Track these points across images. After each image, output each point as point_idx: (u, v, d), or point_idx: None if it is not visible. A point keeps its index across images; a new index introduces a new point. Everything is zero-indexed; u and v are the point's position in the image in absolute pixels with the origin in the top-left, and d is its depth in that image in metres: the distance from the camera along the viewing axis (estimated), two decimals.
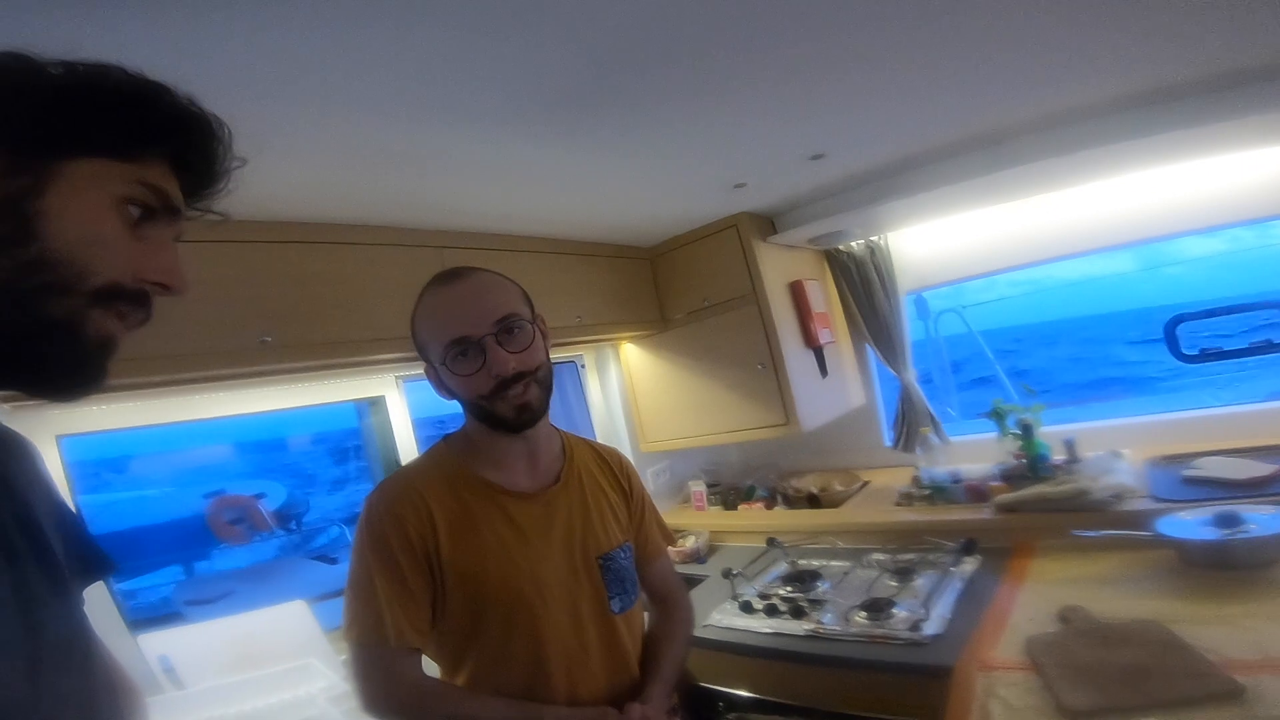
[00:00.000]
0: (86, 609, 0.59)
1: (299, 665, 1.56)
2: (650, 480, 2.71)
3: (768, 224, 2.33)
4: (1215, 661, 1.10)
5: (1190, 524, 1.49)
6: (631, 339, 2.58)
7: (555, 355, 2.49)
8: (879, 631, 1.53)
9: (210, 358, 1.36)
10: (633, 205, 1.98)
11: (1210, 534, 1.44)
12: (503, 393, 1.02)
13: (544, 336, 1.11)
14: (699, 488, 2.69)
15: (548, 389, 1.09)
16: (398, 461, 2.06)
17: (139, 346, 1.21)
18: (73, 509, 0.67)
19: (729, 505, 2.62)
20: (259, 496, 3.22)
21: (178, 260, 0.55)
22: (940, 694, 1.27)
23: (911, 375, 2.50)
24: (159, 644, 1.56)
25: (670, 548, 1.35)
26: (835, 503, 2.39)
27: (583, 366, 2.70)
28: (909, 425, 2.49)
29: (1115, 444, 2.07)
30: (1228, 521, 1.43)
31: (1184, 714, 1.00)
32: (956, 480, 2.11)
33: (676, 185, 1.85)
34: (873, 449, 2.67)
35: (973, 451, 2.36)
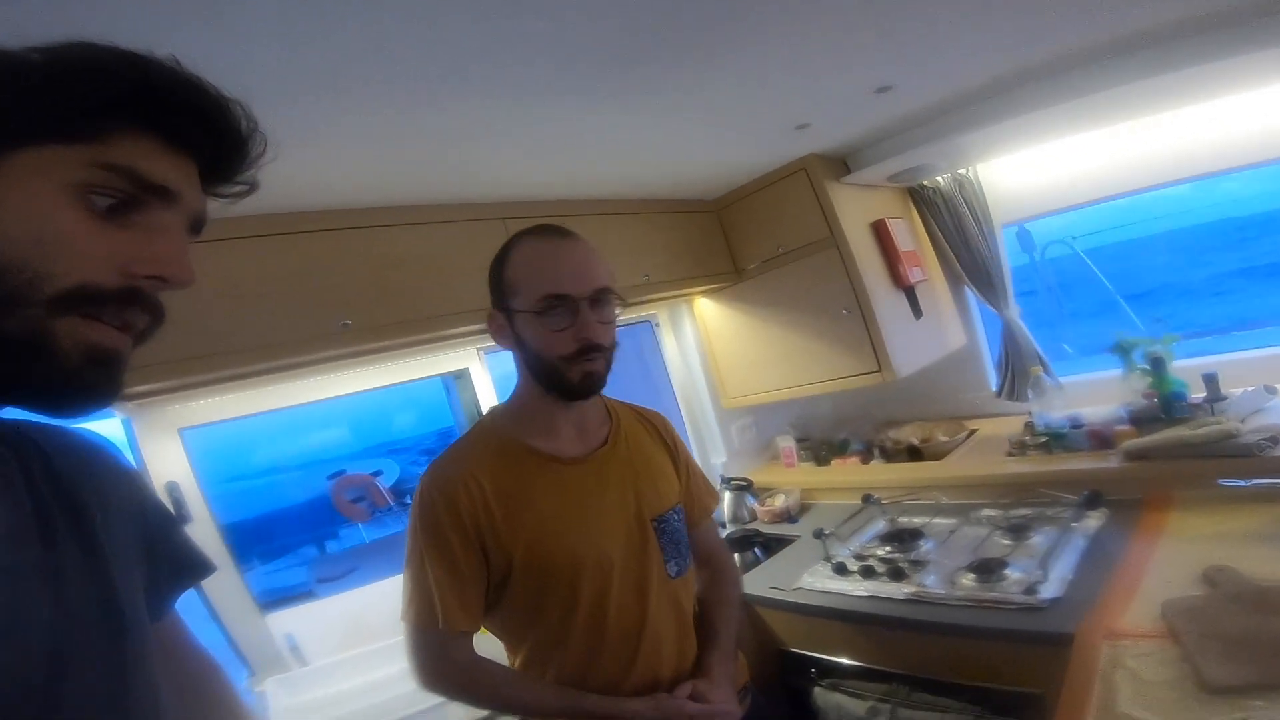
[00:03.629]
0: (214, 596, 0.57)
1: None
2: (735, 437, 2.64)
3: (840, 164, 2.17)
4: None
5: None
6: (704, 293, 2.49)
7: (627, 316, 2.47)
8: (989, 595, 1.40)
9: (297, 345, 1.45)
10: (692, 158, 1.91)
11: None
12: (580, 358, 1.02)
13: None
14: (788, 443, 2.58)
15: (610, 366, 1.08)
16: None
17: (234, 340, 1.35)
18: (168, 512, 0.66)
19: (821, 461, 2.51)
20: (376, 474, 3.39)
21: (178, 247, 0.47)
22: (1059, 664, 1.15)
23: (1014, 312, 2.28)
24: (284, 623, 1.70)
25: (715, 506, 1.35)
26: (938, 455, 2.23)
27: (657, 325, 2.63)
28: (1014, 368, 2.27)
29: (1266, 378, 1.79)
30: None
31: None
32: (1076, 425, 1.91)
33: (735, 132, 1.75)
34: (978, 396, 2.46)
35: (1093, 392, 2.13)
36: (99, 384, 0.45)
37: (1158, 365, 1.81)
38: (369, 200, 1.58)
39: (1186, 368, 1.85)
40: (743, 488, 2.42)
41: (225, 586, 1.64)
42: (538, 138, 1.46)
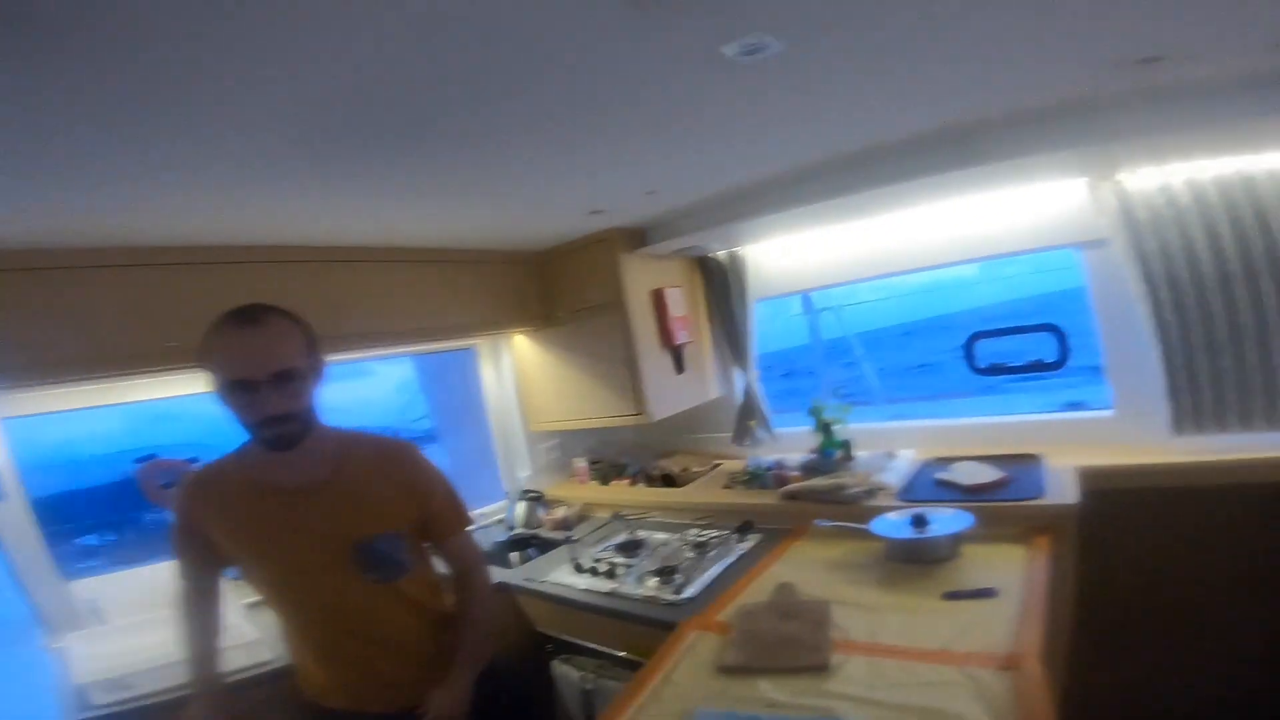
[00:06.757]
0: None
1: None
2: (540, 455, 3.10)
3: (641, 235, 2.64)
4: (836, 640, 1.40)
5: (894, 523, 1.81)
6: (520, 332, 2.93)
7: (451, 344, 2.84)
8: (652, 593, 1.91)
9: (132, 359, 1.80)
10: (503, 225, 2.30)
11: (906, 533, 1.76)
12: (266, 427, 1.23)
13: (317, 375, 1.32)
14: (582, 464, 3.08)
15: (306, 423, 1.28)
16: None
17: (71, 349, 1.64)
18: None
19: (605, 481, 3.01)
20: (191, 460, 3.42)
21: None
22: None
23: (753, 375, 2.86)
24: (89, 590, 2.05)
25: (466, 528, 1.59)
26: (686, 483, 2.78)
27: (479, 354, 3.04)
28: (743, 420, 2.87)
29: (904, 444, 2.45)
30: (920, 522, 1.76)
31: (782, 679, 1.32)
32: (770, 469, 2.49)
33: (537, 209, 2.14)
34: (727, 437, 3.03)
35: (804, 442, 2.72)
36: None
37: (825, 429, 2.42)
38: (198, 240, 1.84)
39: (854, 431, 2.47)
40: (535, 499, 2.89)
41: (29, 555, 1.90)
42: (346, 206, 1.76)
